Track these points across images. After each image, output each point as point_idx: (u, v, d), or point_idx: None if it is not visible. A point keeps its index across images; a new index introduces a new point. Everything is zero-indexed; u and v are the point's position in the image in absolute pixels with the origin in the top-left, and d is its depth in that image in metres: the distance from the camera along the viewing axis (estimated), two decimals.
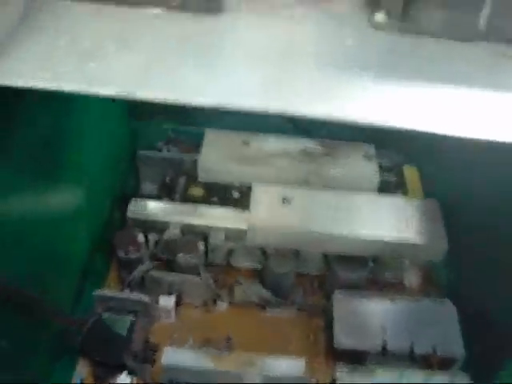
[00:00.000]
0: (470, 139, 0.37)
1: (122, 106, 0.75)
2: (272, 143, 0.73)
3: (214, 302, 0.67)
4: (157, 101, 0.36)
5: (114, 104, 0.70)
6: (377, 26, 0.39)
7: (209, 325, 0.66)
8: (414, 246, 0.66)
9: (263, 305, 0.67)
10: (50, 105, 0.53)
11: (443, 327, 0.62)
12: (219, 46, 0.40)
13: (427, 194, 0.76)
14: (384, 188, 0.74)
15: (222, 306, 0.67)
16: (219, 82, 0.37)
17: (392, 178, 0.75)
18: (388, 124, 0.37)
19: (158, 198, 0.73)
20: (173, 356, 0.58)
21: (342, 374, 0.58)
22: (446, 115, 0.37)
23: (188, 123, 0.80)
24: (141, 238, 0.65)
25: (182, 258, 0.65)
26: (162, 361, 0.57)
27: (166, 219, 0.67)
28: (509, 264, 0.61)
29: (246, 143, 0.73)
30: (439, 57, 0.40)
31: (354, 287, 0.66)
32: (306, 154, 0.72)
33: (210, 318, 0.67)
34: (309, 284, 0.70)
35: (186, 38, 0.39)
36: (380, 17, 0.39)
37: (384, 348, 0.60)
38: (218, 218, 0.68)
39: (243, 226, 0.66)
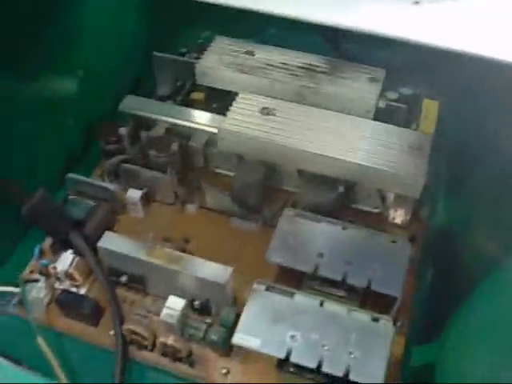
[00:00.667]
0: None
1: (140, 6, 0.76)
2: (276, 55, 0.71)
3: (184, 203, 0.68)
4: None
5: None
6: None
7: (174, 224, 0.68)
8: (386, 174, 0.61)
9: (231, 214, 0.67)
10: None
11: (388, 265, 0.58)
12: None
13: (439, 132, 0.69)
14: (394, 117, 0.69)
15: (191, 208, 0.68)
16: None
17: (402, 107, 0.69)
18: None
19: (170, 99, 0.75)
20: (109, 240, 0.60)
21: (258, 288, 0.56)
22: None
23: (224, 33, 0.79)
24: (123, 130, 0.68)
25: (152, 154, 0.66)
26: (98, 243, 0.60)
27: (154, 117, 0.69)
28: None
29: (250, 53, 0.71)
30: None
31: (322, 211, 0.64)
32: (307, 70, 0.69)
33: (177, 218, 0.68)
34: (282, 201, 0.68)
35: None
36: None
37: (315, 271, 0.57)
38: (203, 121, 0.68)
39: None
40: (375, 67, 0.69)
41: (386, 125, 0.65)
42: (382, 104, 0.67)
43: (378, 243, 0.59)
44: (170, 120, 0.68)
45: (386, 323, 0.54)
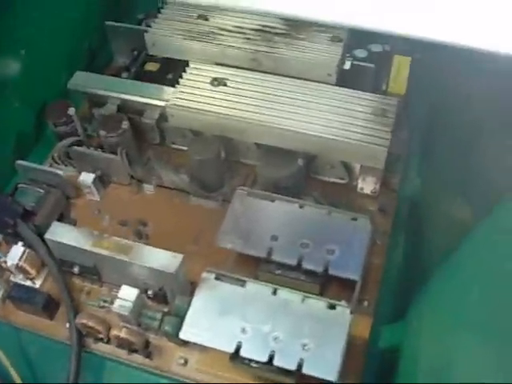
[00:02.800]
0: None
1: None
2: (231, 19, 0.66)
3: (141, 183, 0.65)
4: None
5: None
6: None
7: (131, 206, 0.65)
8: (347, 146, 0.57)
9: (188, 192, 0.64)
10: None
11: (347, 246, 0.54)
12: None
13: (412, 90, 0.63)
14: (361, 78, 0.63)
15: (148, 188, 0.65)
16: None
17: (370, 67, 0.63)
18: None
19: (127, 71, 0.71)
20: (56, 231, 0.58)
21: (208, 277, 0.53)
22: None
23: None
24: (72, 110, 0.64)
25: (103, 135, 0.62)
26: (45, 234, 0.57)
27: (105, 94, 0.65)
28: None
29: (203, 17, 0.66)
30: None
31: (282, 186, 0.60)
32: (263, 32, 0.64)
33: (134, 199, 0.65)
34: (243, 176, 0.64)
35: None
36: None
37: (269, 256, 0.54)
38: (155, 95, 0.64)
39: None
40: (335, 27, 0.63)
41: (348, 90, 0.60)
42: (347, 65, 0.62)
43: (338, 222, 0.55)
44: (122, 96, 0.64)
45: (342, 310, 0.50)
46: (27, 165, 0.63)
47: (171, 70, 0.67)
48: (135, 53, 0.71)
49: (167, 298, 0.57)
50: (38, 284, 0.60)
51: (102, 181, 0.64)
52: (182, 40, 0.64)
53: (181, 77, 0.64)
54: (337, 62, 0.61)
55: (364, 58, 0.65)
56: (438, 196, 0.58)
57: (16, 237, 0.60)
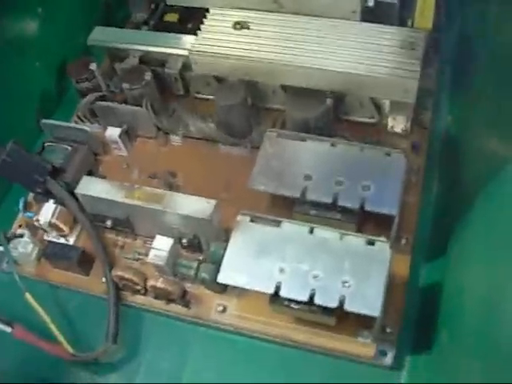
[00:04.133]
0: None
1: None
2: None
3: (168, 135, 0.64)
4: None
5: None
6: None
7: (160, 158, 0.64)
8: (376, 81, 0.55)
9: (216, 140, 0.63)
10: None
11: (382, 181, 0.53)
12: None
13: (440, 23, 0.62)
14: (385, 14, 0.61)
15: (176, 139, 0.64)
16: None
17: (393, 3, 0.61)
18: None
19: (145, 25, 0.70)
20: (87, 185, 0.57)
21: (243, 220, 0.52)
22: None
23: None
24: (93, 66, 0.63)
25: (126, 87, 0.62)
26: (76, 189, 0.57)
27: (125, 47, 0.64)
28: None
29: None
30: None
31: (312, 127, 0.58)
32: None
33: (162, 151, 0.65)
34: (271, 120, 0.63)
35: None
36: None
37: (303, 196, 0.53)
38: (176, 45, 0.63)
39: None
40: None
41: (373, 25, 0.59)
42: (370, 2, 0.60)
43: (371, 158, 0.54)
44: (142, 48, 0.64)
45: (382, 246, 0.49)
46: (53, 123, 0.62)
47: (191, 20, 0.66)
48: (153, 6, 0.69)
49: (201, 246, 0.56)
50: (71, 241, 0.60)
51: (128, 135, 0.63)
52: None
53: (202, 24, 0.62)
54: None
55: None
56: (471, 131, 0.57)
57: (46, 195, 0.59)
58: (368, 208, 0.52)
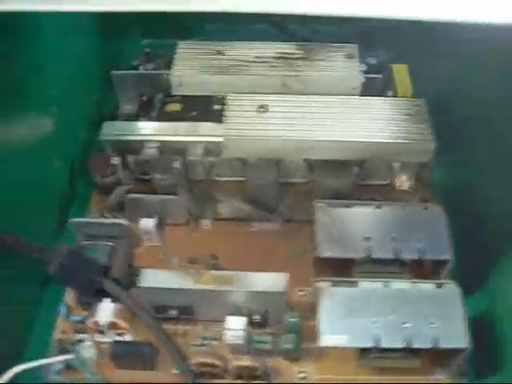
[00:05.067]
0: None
1: (90, 25, 0.71)
2: (247, 51, 0.69)
3: (198, 220, 0.65)
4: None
5: (81, 23, 0.67)
6: None
7: (194, 244, 0.65)
8: (398, 146, 0.62)
9: (248, 219, 0.65)
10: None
11: (431, 232, 0.59)
12: None
13: (417, 92, 0.71)
14: (371, 88, 0.69)
15: (206, 223, 0.66)
16: None
17: (378, 78, 0.70)
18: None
19: (137, 118, 0.71)
20: (150, 278, 0.57)
21: (324, 286, 0.56)
22: None
23: (165, 37, 0.76)
24: (116, 160, 0.63)
25: (157, 178, 0.62)
26: (140, 283, 0.56)
27: (142, 138, 0.65)
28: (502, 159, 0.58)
29: (220, 53, 0.69)
30: None
31: (340, 194, 0.64)
32: (283, 59, 0.68)
33: (194, 236, 0.66)
34: (295, 193, 0.67)
35: None
36: None
37: (369, 255, 0.58)
38: (194, 132, 0.65)
39: (220, 139, 0.63)
40: (345, 43, 0.69)
41: (377, 98, 0.66)
42: (363, 78, 0.68)
43: (413, 214, 0.61)
44: (161, 138, 0.65)
45: (450, 287, 0.56)
46: (85, 221, 0.61)
47: (193, 108, 0.69)
48: (144, 98, 0.71)
49: (268, 320, 0.59)
50: (128, 338, 0.59)
51: (159, 224, 0.64)
52: (211, 76, 0.67)
53: (206, 111, 0.66)
54: (359, 75, 0.67)
55: (366, 71, 0.71)
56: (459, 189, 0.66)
57: (96, 294, 0.58)
58: (427, 257, 0.58)
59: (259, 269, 0.58)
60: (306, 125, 0.64)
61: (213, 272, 0.57)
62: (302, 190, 0.67)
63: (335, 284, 0.56)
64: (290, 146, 0.63)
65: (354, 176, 0.64)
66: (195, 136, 0.65)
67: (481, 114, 0.63)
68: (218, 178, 0.68)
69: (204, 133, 0.65)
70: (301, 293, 0.62)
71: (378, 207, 0.61)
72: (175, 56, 0.69)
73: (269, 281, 0.56)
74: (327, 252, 0.58)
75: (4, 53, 0.53)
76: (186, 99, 0.69)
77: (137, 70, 0.73)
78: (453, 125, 0.68)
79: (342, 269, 0.60)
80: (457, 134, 0.68)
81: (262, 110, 0.64)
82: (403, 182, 0.67)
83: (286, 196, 0.66)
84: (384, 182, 0.68)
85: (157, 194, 0.63)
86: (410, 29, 0.61)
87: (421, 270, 0.61)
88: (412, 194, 0.68)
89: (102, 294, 0.58)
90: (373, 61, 0.73)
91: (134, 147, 0.65)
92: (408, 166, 0.66)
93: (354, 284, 0.56)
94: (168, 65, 0.71)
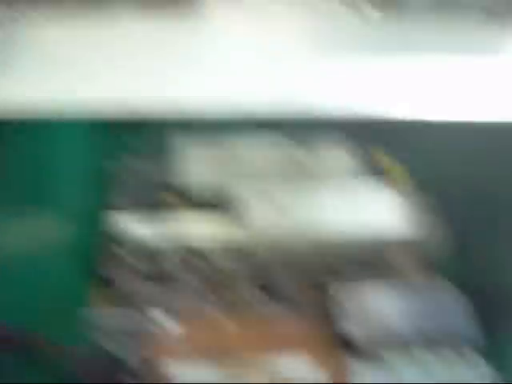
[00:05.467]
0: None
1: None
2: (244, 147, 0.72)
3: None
4: None
5: None
6: None
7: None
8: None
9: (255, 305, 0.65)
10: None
11: (448, 307, 0.61)
12: None
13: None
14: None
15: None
16: None
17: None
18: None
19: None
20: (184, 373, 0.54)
21: (359, 370, 0.55)
22: None
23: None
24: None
25: None
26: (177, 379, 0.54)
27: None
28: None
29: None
30: None
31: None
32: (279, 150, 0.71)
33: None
34: (300, 276, 0.67)
35: None
36: None
37: (395, 335, 0.58)
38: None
39: None
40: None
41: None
42: None
43: (427, 291, 0.63)
44: None
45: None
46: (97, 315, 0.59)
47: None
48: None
49: None
50: None
51: None
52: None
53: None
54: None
55: None
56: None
57: None
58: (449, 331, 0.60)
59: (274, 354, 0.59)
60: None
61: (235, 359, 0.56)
62: (307, 272, 0.67)
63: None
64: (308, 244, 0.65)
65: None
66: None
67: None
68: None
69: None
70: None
71: (393, 286, 0.62)
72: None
73: (293, 364, 0.56)
74: (357, 335, 0.59)
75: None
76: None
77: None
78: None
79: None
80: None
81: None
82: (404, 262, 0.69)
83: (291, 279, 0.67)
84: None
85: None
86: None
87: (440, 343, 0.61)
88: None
89: None
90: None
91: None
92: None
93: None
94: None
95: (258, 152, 0.71)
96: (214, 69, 0.35)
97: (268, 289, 0.65)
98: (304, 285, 0.67)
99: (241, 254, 0.66)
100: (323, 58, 0.34)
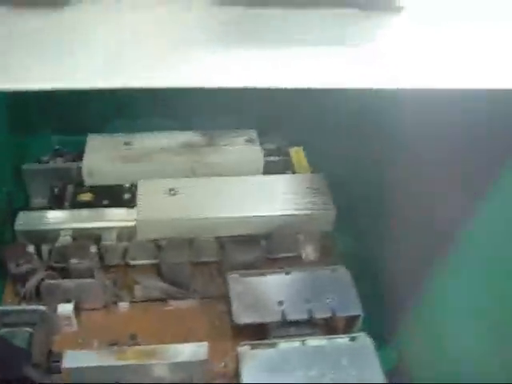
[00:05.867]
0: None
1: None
2: (153, 140, 0.74)
3: (115, 303, 0.67)
4: None
5: None
6: None
7: (112, 326, 0.66)
8: (302, 217, 0.67)
9: (165, 298, 0.67)
10: None
11: (340, 291, 0.64)
12: None
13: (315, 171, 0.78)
14: (271, 170, 0.75)
15: (124, 306, 0.67)
16: None
17: (278, 160, 0.76)
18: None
19: (49, 209, 0.72)
20: (73, 358, 0.57)
21: (245, 350, 0.58)
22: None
23: (73, 132, 0.79)
24: (31, 248, 0.64)
25: (74, 263, 0.64)
26: (63, 365, 0.56)
27: (56, 227, 0.67)
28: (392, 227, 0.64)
29: (128, 144, 0.73)
30: None
31: (250, 268, 0.67)
32: (188, 146, 0.73)
33: (112, 319, 0.67)
34: (208, 271, 0.70)
35: None
36: None
37: (284, 318, 0.61)
38: (107, 218, 0.68)
39: (133, 223, 0.66)
40: (245, 129, 0.76)
41: (280, 175, 0.72)
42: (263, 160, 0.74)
43: (322, 276, 0.65)
44: (76, 225, 0.67)
45: (363, 339, 0.60)
46: (1, 309, 0.61)
47: (104, 197, 0.72)
48: (55, 190, 0.73)
49: None
50: None
51: (76, 310, 0.65)
52: (120, 165, 0.70)
53: (117, 199, 0.70)
54: (261, 157, 0.73)
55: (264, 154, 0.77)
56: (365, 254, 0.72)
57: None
58: (339, 314, 0.63)
59: (179, 342, 0.59)
60: (215, 204, 0.68)
61: (135, 348, 0.58)
62: (213, 267, 0.70)
63: (254, 347, 0.58)
64: (199, 225, 0.66)
65: (262, 249, 0.67)
66: (108, 222, 0.67)
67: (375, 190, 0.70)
68: (133, 262, 0.69)
69: (116, 219, 0.67)
70: (222, 364, 0.63)
71: (288, 273, 0.65)
72: (86, 148, 0.72)
73: (190, 351, 0.58)
74: (245, 319, 0.61)
75: None
76: (96, 189, 0.72)
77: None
78: (350, 197, 0.74)
79: (260, 334, 0.62)
80: (355, 206, 0.74)
81: (172, 192, 0.67)
82: (309, 252, 0.72)
83: (199, 274, 0.69)
84: (291, 255, 0.72)
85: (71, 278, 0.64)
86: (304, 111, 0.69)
87: (334, 329, 0.64)
88: (318, 263, 0.72)
89: (23, 381, 0.57)
90: (271, 146, 0.79)
91: (50, 236, 0.66)
92: (312, 236, 0.71)
93: (272, 345, 0.59)
94: (77, 158, 0.73)
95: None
96: None
97: (170, 279, 0.68)
98: (204, 275, 0.70)
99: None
100: None
